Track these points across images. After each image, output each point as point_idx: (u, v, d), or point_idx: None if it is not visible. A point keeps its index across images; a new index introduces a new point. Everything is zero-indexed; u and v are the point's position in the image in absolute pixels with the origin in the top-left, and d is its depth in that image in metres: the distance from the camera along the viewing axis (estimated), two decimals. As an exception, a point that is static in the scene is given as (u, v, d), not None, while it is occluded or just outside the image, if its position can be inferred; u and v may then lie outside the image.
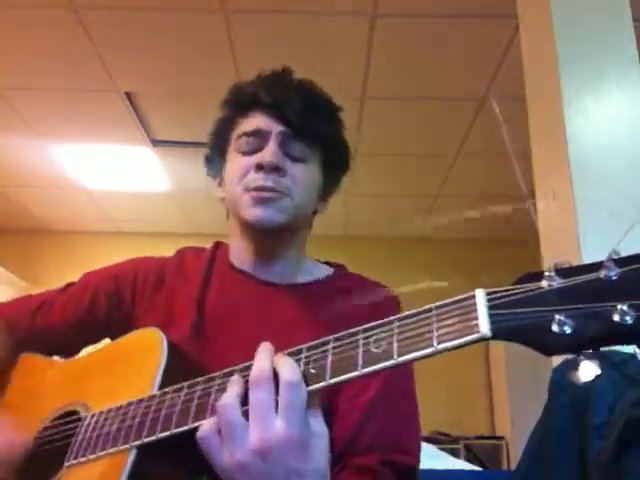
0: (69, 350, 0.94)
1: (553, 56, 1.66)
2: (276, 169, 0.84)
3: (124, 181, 4.18)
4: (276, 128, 0.87)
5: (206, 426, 0.58)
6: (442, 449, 2.39)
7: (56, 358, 0.95)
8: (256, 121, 0.88)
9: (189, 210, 4.61)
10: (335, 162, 0.94)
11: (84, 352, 0.94)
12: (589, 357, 0.46)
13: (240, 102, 0.92)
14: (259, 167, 0.84)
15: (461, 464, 2.28)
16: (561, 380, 0.97)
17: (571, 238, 1.49)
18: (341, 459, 0.75)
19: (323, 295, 0.89)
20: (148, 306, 0.91)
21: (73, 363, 0.89)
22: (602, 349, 0.44)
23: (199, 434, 0.58)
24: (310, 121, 0.87)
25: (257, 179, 0.84)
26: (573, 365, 0.47)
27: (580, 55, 1.65)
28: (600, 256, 0.46)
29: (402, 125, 3.41)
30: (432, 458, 1.88)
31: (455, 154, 3.72)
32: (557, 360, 0.78)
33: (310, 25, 2.64)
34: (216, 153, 0.95)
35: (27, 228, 4.91)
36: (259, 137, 0.87)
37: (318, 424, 0.58)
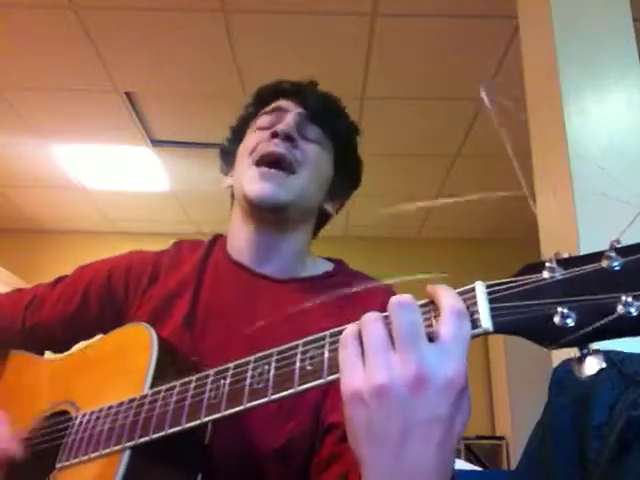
0: (61, 346, 0.93)
1: (553, 56, 1.66)
2: (289, 138, 0.85)
3: (124, 181, 4.18)
4: (295, 109, 0.90)
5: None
6: (442, 449, 2.38)
7: (48, 354, 0.94)
8: (276, 104, 0.92)
9: (189, 210, 4.61)
10: (346, 164, 0.95)
11: (76, 348, 0.91)
12: (591, 353, 0.43)
13: (263, 95, 0.95)
14: (273, 134, 0.85)
15: (461, 464, 2.28)
16: (561, 380, 0.97)
17: (571, 237, 1.49)
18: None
19: (322, 291, 0.85)
20: (142, 300, 0.89)
21: (62, 361, 0.87)
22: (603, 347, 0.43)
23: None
24: (327, 111, 0.91)
25: (269, 144, 0.85)
26: (575, 362, 0.44)
27: (580, 55, 1.65)
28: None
29: (402, 125, 3.40)
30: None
31: (455, 154, 3.72)
32: (558, 360, 0.77)
33: (310, 25, 2.64)
34: (233, 144, 0.96)
35: (27, 228, 4.90)
36: (277, 114, 0.90)
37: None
